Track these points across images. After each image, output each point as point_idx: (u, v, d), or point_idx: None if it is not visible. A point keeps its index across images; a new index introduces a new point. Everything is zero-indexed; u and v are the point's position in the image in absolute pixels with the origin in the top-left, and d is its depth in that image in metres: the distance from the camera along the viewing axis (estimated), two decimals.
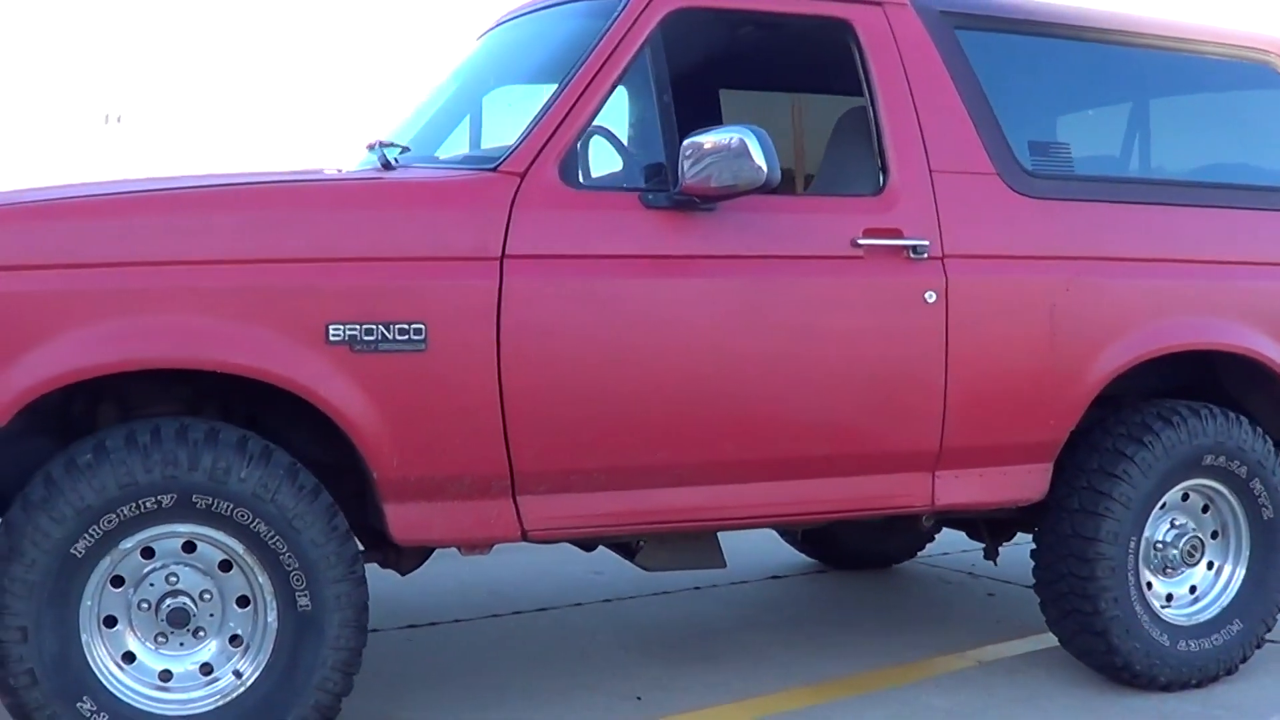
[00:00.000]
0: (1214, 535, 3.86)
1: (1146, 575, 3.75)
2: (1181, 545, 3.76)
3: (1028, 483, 3.59)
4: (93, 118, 11.62)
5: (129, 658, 2.84)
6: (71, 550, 2.69)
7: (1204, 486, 3.79)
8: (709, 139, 3.01)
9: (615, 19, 3.21)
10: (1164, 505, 3.75)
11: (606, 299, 3.08)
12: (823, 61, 3.63)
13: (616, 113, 3.46)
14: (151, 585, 2.84)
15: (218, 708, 2.86)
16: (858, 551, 5.20)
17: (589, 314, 3.07)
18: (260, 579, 2.86)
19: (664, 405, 3.14)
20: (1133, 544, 3.64)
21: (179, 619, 2.82)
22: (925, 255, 3.36)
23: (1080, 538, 3.63)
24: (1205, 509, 3.84)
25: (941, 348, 3.38)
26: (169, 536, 2.82)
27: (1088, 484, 3.64)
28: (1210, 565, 3.86)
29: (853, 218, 3.34)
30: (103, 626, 2.81)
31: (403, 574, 3.47)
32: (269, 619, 2.87)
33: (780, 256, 3.25)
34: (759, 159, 2.98)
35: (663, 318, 3.13)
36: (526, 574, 4.91)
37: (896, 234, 3.35)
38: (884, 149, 3.42)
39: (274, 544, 2.82)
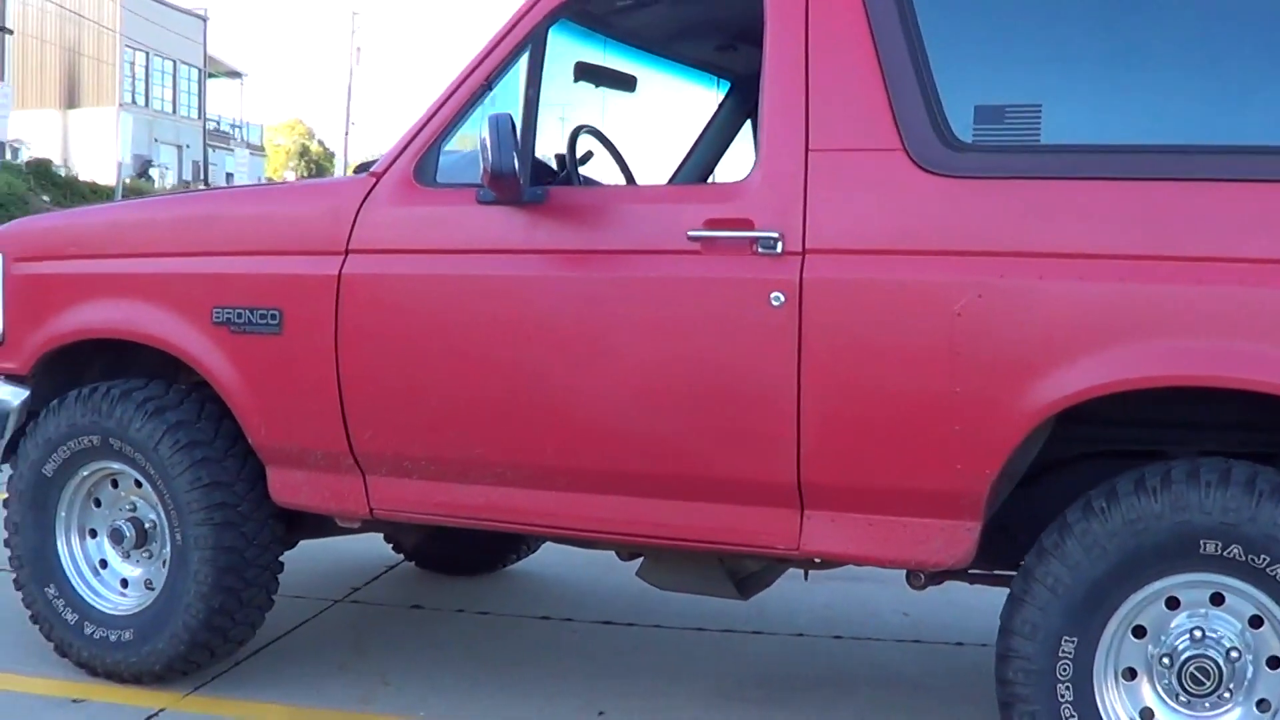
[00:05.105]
0: (1272, 663, 3.30)
1: (1146, 697, 3.39)
2: (1178, 665, 3.32)
3: (937, 543, 3.53)
4: None
5: (103, 564, 4.50)
6: (43, 470, 4.41)
7: (1230, 587, 3.29)
8: None
9: (509, 20, 4.01)
10: (1176, 603, 3.36)
11: (429, 291, 3.93)
12: (747, 34, 3.92)
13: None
14: (120, 509, 4.47)
15: (130, 614, 4.38)
16: None
17: (411, 305, 3.95)
18: (160, 513, 4.32)
19: (478, 401, 3.88)
20: (1068, 646, 3.36)
21: (116, 537, 4.41)
22: (778, 250, 3.56)
23: (1001, 627, 3.46)
24: (1257, 621, 3.31)
25: (792, 360, 3.55)
26: (120, 474, 4.40)
27: (1024, 559, 3.45)
28: (1262, 705, 3.31)
29: (696, 208, 3.69)
30: (86, 537, 4.51)
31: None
32: (167, 548, 4.31)
33: (605, 251, 3.76)
34: (489, 146, 3.62)
35: (479, 312, 3.87)
36: (784, 596, 5.49)
37: (744, 225, 3.61)
38: (759, 129, 3.69)
39: (158, 486, 4.25)
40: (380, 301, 3.99)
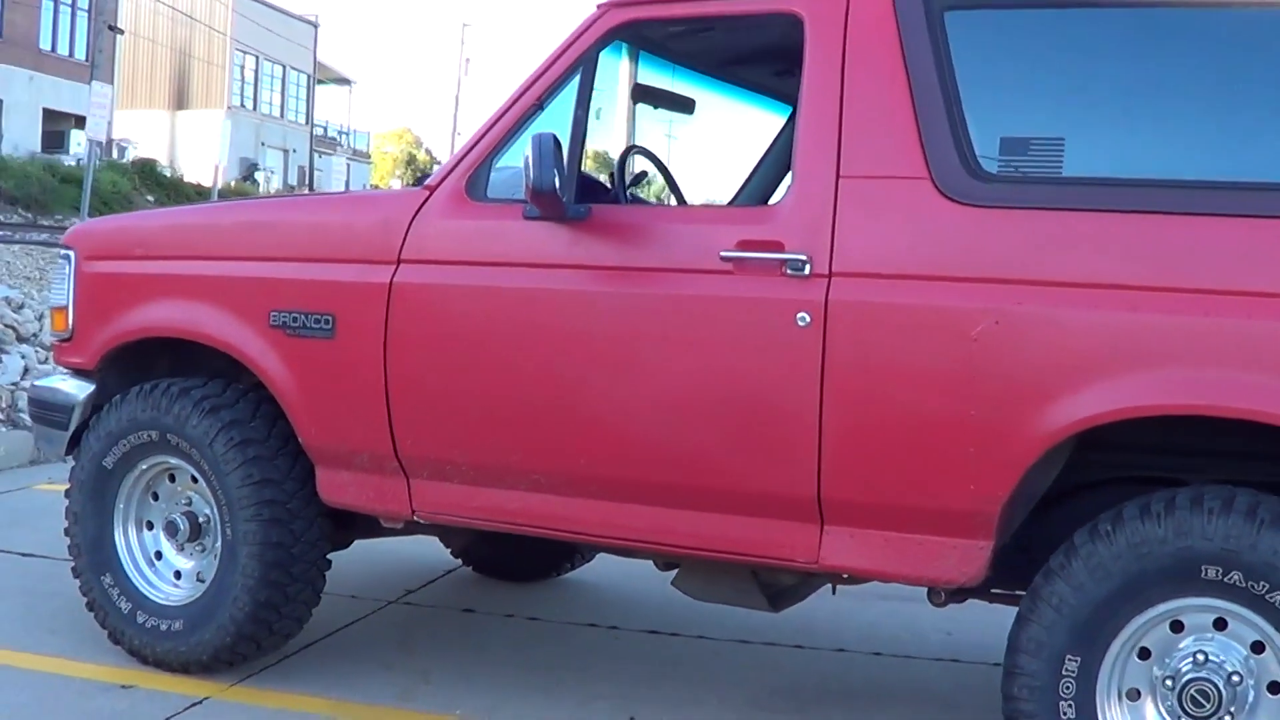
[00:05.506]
0: (1273, 689, 3.42)
1: (1149, 717, 3.52)
2: (1179, 686, 3.44)
3: (951, 561, 3.69)
4: None
5: (158, 556, 4.79)
6: (103, 463, 4.71)
7: (1232, 613, 3.41)
8: None
9: (563, 42, 4.23)
10: (1181, 627, 3.49)
11: (474, 301, 4.16)
12: (788, 62, 4.11)
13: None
14: (176, 503, 4.75)
15: (182, 604, 4.66)
16: None
17: (457, 314, 4.19)
18: (213, 508, 4.59)
19: (517, 409, 4.10)
20: (1071, 664, 3.50)
21: (171, 530, 4.70)
22: (806, 272, 3.75)
23: (1009, 644, 3.61)
24: (1259, 647, 3.43)
25: (815, 379, 3.73)
26: (177, 469, 4.69)
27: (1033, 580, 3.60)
28: None
29: (730, 229, 3.89)
30: (143, 529, 4.80)
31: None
32: (219, 543, 4.59)
33: (642, 269, 3.97)
34: (531, 163, 3.85)
35: (521, 323, 4.09)
36: (832, 612, 5.67)
37: (775, 247, 3.80)
38: (794, 154, 3.88)
39: (211, 482, 4.53)
40: (428, 310, 4.23)
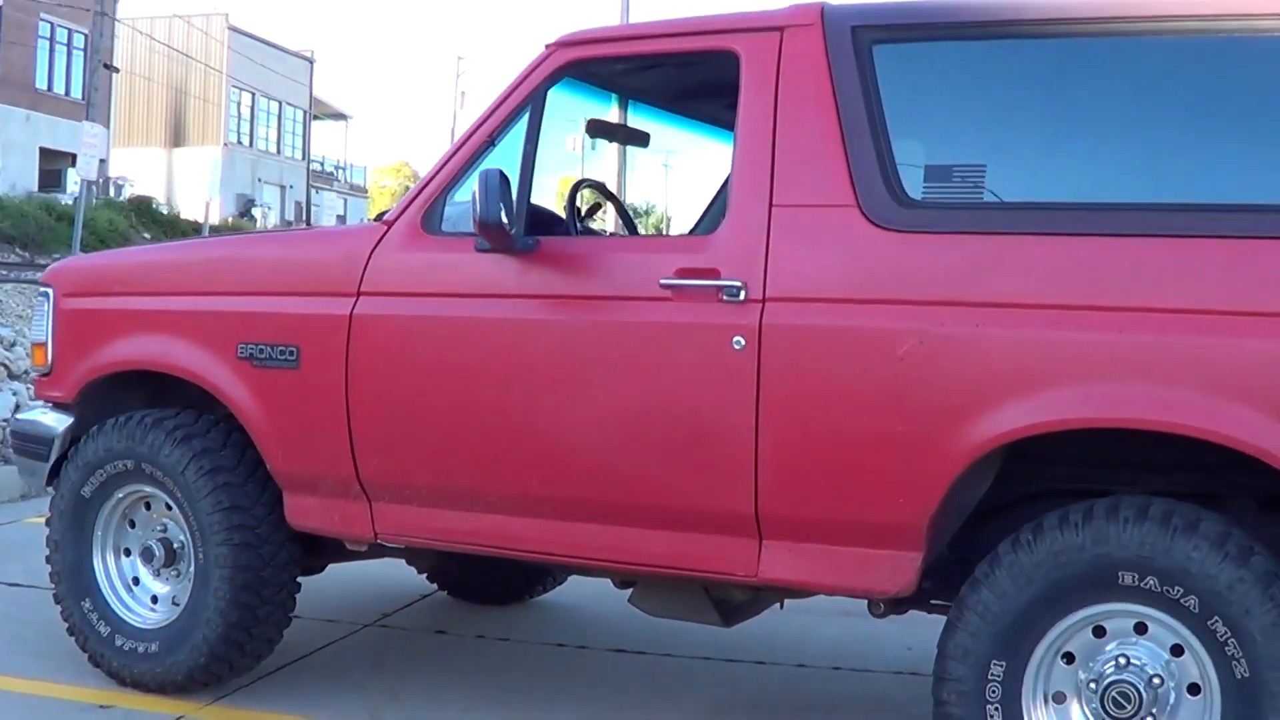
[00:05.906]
0: (1193, 690, 3.59)
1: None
2: (1102, 689, 3.62)
3: (883, 572, 3.87)
4: None
5: (136, 581, 4.98)
6: (81, 492, 4.91)
7: (1151, 617, 3.59)
8: None
9: (514, 80, 4.45)
10: (1104, 632, 3.67)
11: (429, 331, 4.38)
12: (729, 97, 4.31)
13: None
14: (152, 530, 4.95)
15: (158, 627, 4.85)
16: None
17: (412, 343, 4.40)
18: (187, 534, 4.79)
19: (470, 434, 4.31)
20: (996, 669, 3.68)
21: (147, 556, 4.89)
22: (741, 297, 3.95)
23: (938, 651, 3.79)
24: (1178, 650, 3.61)
25: (750, 400, 3.92)
26: (152, 497, 4.89)
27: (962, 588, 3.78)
28: None
29: (670, 258, 4.10)
30: (121, 556, 5.00)
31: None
32: (192, 567, 4.78)
33: (587, 297, 4.17)
34: (478, 198, 4.05)
35: (473, 350, 4.30)
36: (795, 629, 5.85)
37: (712, 274, 4.00)
38: (729, 185, 4.09)
39: (183, 508, 4.73)
40: (386, 340, 4.43)
